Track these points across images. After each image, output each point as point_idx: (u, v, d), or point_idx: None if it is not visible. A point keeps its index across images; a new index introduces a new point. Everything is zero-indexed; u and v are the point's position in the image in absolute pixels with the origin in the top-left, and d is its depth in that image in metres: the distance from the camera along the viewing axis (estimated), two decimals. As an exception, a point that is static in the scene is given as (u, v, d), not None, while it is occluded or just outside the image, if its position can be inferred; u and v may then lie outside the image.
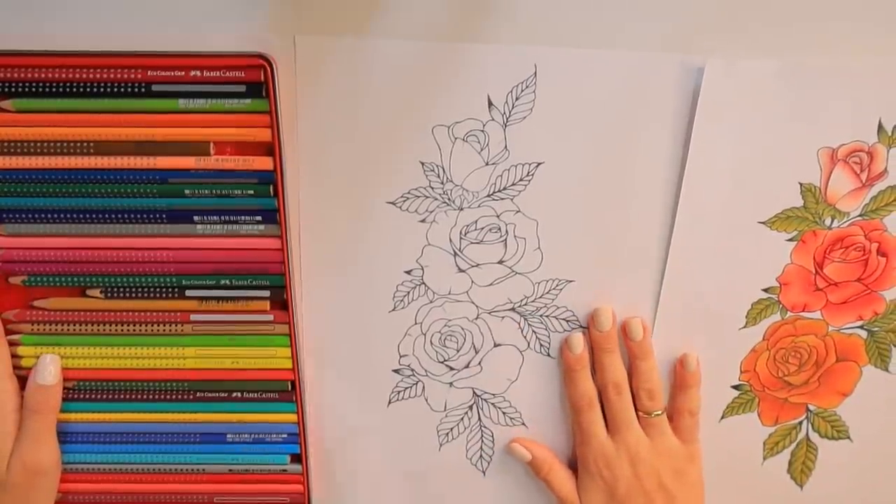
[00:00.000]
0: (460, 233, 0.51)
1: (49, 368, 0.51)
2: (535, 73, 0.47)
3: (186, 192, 0.48)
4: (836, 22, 0.46)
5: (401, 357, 0.55)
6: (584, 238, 0.51)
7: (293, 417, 0.54)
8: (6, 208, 0.48)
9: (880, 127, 0.48)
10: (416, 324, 0.54)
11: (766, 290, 0.53)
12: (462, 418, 0.56)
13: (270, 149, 0.47)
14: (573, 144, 0.49)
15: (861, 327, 0.54)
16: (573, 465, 0.57)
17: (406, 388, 0.55)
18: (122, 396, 0.53)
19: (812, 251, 0.52)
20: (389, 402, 0.56)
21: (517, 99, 0.48)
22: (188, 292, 0.50)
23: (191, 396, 0.53)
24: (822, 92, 0.48)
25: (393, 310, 0.53)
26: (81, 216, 0.48)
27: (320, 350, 0.54)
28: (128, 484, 0.55)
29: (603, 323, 0.53)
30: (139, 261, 0.49)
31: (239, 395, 0.53)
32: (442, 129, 0.48)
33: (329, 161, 0.49)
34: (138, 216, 0.48)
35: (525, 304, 0.53)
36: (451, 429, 0.57)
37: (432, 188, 0.50)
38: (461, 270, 0.52)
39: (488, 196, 0.50)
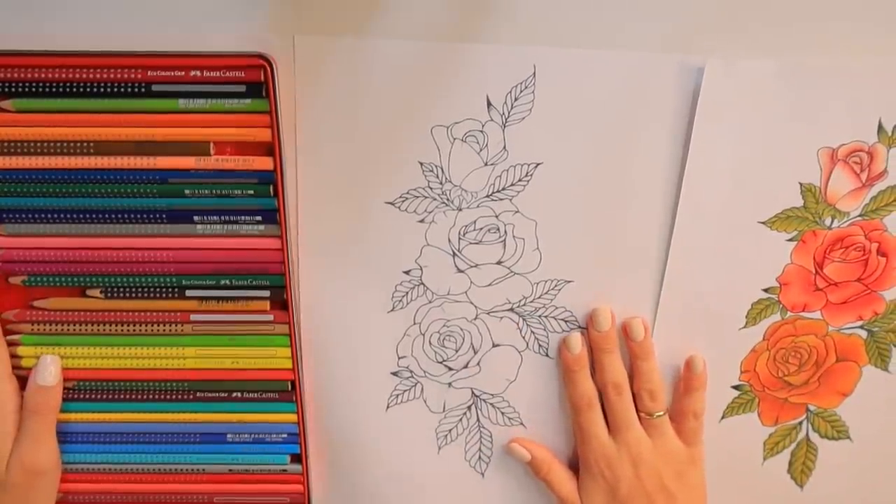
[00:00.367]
0: (459, 233, 0.51)
1: (49, 369, 0.50)
2: (534, 73, 0.47)
3: (186, 192, 0.47)
4: (835, 22, 0.45)
5: (399, 358, 0.54)
6: (583, 238, 0.51)
7: (293, 417, 0.53)
8: (6, 208, 0.48)
9: (880, 127, 0.48)
10: (414, 324, 0.53)
11: (766, 290, 0.53)
12: (461, 419, 0.56)
13: (270, 149, 0.47)
14: (572, 145, 0.49)
15: (861, 327, 0.54)
16: (573, 466, 0.56)
17: (405, 389, 0.55)
18: (122, 396, 0.53)
19: (812, 251, 0.51)
20: (388, 403, 0.55)
21: (516, 99, 0.47)
22: (188, 292, 0.50)
23: (191, 396, 0.53)
24: (821, 92, 0.47)
25: (392, 310, 0.53)
26: (81, 216, 0.48)
27: (319, 350, 0.53)
28: (128, 484, 0.55)
29: (601, 323, 0.52)
30: (139, 261, 0.49)
31: (239, 395, 0.53)
32: (441, 129, 0.48)
33: (328, 161, 0.48)
34: (138, 216, 0.48)
35: (524, 305, 0.53)
36: (450, 430, 0.56)
37: (431, 188, 0.50)
38: (460, 271, 0.52)
39: (487, 196, 0.50)
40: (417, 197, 0.50)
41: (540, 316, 0.53)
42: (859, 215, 0.50)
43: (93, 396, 0.52)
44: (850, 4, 0.45)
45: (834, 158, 0.49)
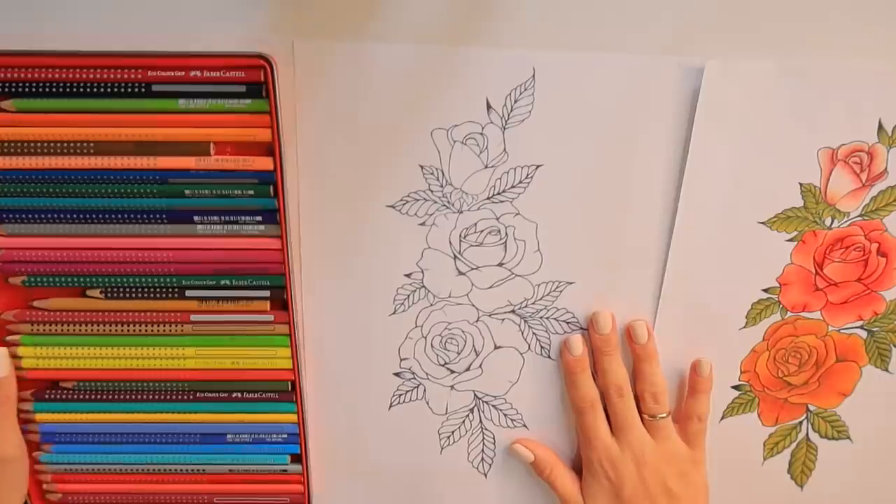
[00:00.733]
0: (460, 235, 0.50)
1: None
2: (534, 75, 0.46)
3: (186, 192, 0.47)
4: (834, 22, 0.45)
5: (401, 360, 0.54)
6: (583, 240, 0.50)
7: (293, 418, 0.53)
8: (6, 208, 0.47)
9: (880, 127, 0.47)
10: (416, 327, 0.53)
11: (766, 291, 0.52)
12: (463, 421, 0.55)
13: (270, 149, 0.46)
14: (572, 147, 0.48)
15: (861, 327, 0.53)
16: (576, 467, 0.56)
17: (407, 391, 0.54)
18: (122, 397, 0.52)
19: (812, 251, 0.51)
20: (391, 406, 0.55)
21: (516, 102, 0.47)
22: (188, 292, 0.49)
23: (191, 397, 0.52)
24: (821, 92, 0.46)
25: (393, 313, 0.52)
26: (81, 216, 0.47)
27: (321, 353, 0.53)
28: (129, 484, 0.54)
29: (602, 326, 0.52)
30: (139, 261, 0.48)
31: (239, 395, 0.52)
32: (441, 132, 0.47)
33: (329, 165, 0.48)
34: (138, 216, 0.47)
35: (525, 307, 0.52)
36: (453, 431, 0.55)
37: (432, 191, 0.49)
38: (461, 273, 0.51)
39: (488, 199, 0.49)
40: (418, 200, 0.49)
41: (542, 318, 0.53)
42: (859, 215, 0.50)
43: (93, 397, 0.52)
44: (848, 5, 0.45)
45: (834, 159, 0.48)
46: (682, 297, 0.52)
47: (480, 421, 0.55)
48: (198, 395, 0.52)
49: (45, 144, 0.46)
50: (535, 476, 0.56)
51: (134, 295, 0.49)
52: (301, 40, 0.45)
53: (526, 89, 0.46)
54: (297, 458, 0.54)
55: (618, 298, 0.52)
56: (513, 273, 0.51)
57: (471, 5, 0.44)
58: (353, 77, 0.46)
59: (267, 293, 0.50)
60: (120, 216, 0.47)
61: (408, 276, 0.51)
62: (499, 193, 0.49)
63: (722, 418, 0.55)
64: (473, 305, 0.52)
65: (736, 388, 0.55)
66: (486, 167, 0.48)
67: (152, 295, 0.49)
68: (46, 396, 0.51)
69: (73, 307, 0.49)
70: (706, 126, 0.47)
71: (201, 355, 0.51)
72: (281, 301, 0.50)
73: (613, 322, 0.52)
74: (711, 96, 0.46)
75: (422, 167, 0.48)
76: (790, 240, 0.50)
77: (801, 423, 0.56)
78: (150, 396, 0.52)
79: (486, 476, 0.57)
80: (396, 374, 0.54)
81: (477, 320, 0.53)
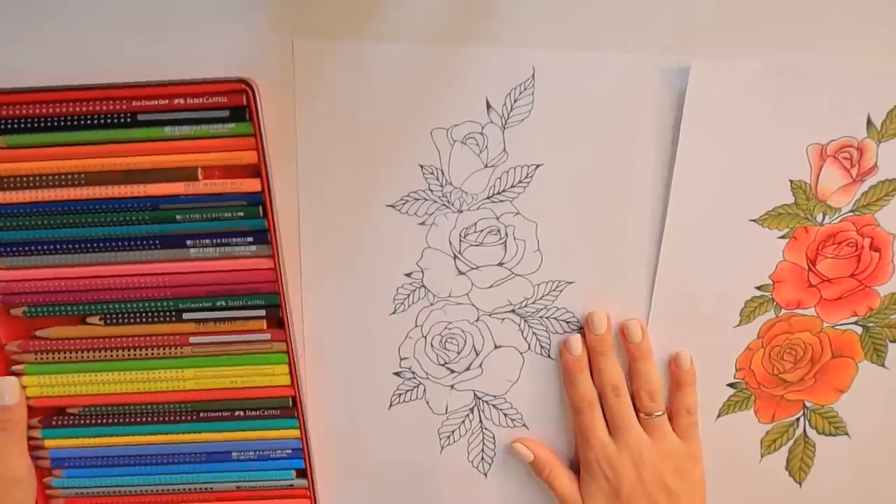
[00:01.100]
0: (460, 235, 0.49)
1: (3, 391, 0.49)
2: (534, 75, 0.45)
3: (178, 217, 0.46)
4: (822, 19, 0.44)
5: (402, 360, 0.53)
6: (583, 239, 0.49)
7: (296, 433, 0.52)
8: (3, 242, 0.47)
9: (869, 122, 0.46)
10: (416, 326, 0.52)
11: (759, 288, 0.51)
12: (463, 420, 0.54)
13: (257, 170, 0.45)
14: (572, 146, 0.47)
15: (856, 323, 0.52)
16: (574, 467, 0.55)
17: (407, 390, 0.53)
18: (127, 420, 0.51)
19: (804, 248, 0.49)
20: (391, 405, 0.54)
21: (515, 101, 0.46)
22: (185, 315, 0.49)
23: (194, 417, 0.51)
24: (808, 89, 0.45)
25: (393, 312, 0.51)
26: (77, 246, 0.47)
27: (321, 353, 0.52)
28: (138, 505, 0.54)
29: (597, 326, 0.51)
30: (136, 287, 0.48)
31: (241, 413, 0.51)
32: (441, 131, 0.47)
33: (328, 164, 0.47)
34: (132, 243, 0.47)
35: (525, 306, 0.51)
36: (453, 431, 0.54)
37: (431, 191, 0.48)
38: (461, 273, 0.50)
39: (488, 198, 0.48)
40: (418, 199, 0.48)
41: (541, 317, 0.51)
42: (851, 211, 0.48)
43: (99, 421, 0.51)
44: (835, 2, 0.44)
45: (823, 155, 0.47)
46: (674, 297, 0.50)
47: (480, 420, 0.54)
48: (201, 415, 0.51)
49: (38, 178, 0.45)
50: (534, 476, 0.55)
51: (132, 320, 0.49)
52: (301, 40, 0.44)
53: (526, 89, 0.46)
54: (303, 473, 0.53)
55: (617, 298, 0.51)
56: (513, 273, 0.50)
57: (471, 5, 0.43)
58: (352, 77, 0.45)
59: (262, 312, 0.49)
60: (114, 244, 0.47)
61: (408, 275, 0.50)
62: (499, 193, 0.48)
63: (718, 416, 0.54)
64: (473, 305, 0.51)
65: (731, 385, 0.54)
66: (486, 167, 0.48)
67: (150, 319, 0.49)
68: (54, 423, 0.51)
69: (74, 335, 0.49)
70: (693, 126, 0.46)
71: (201, 376, 0.50)
72: (277, 319, 0.49)
73: (608, 322, 0.51)
74: (697, 96, 0.45)
75: (422, 167, 0.47)
76: (782, 237, 0.49)
77: (797, 419, 0.55)
78: (155, 418, 0.51)
79: (485, 476, 0.56)
80: (396, 374, 0.53)
81: (477, 320, 0.52)
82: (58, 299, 0.48)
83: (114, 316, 0.49)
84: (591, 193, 0.48)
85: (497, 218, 0.49)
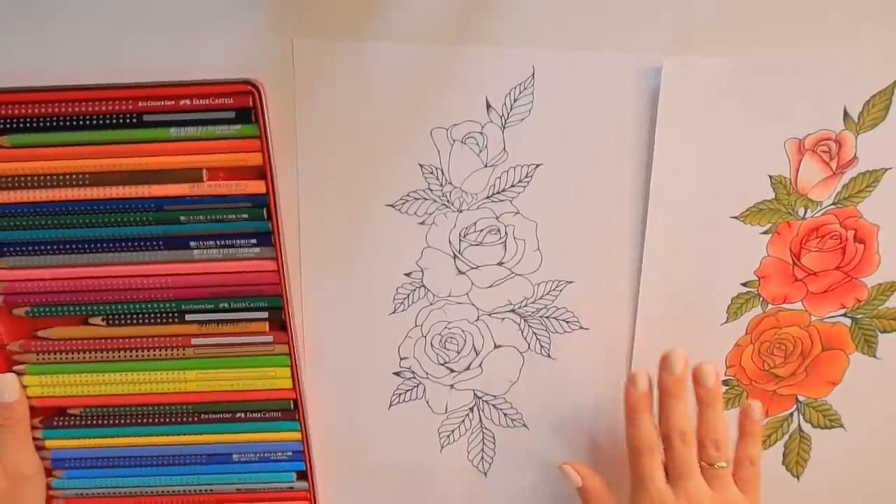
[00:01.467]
0: (460, 235, 0.49)
1: (2, 388, 0.48)
2: (533, 74, 0.45)
3: (182, 218, 0.46)
4: (796, 11, 0.44)
5: (401, 359, 0.52)
6: (583, 239, 0.49)
7: (297, 435, 0.51)
8: (7, 242, 0.47)
9: (846, 114, 0.47)
10: (416, 326, 0.51)
11: (744, 285, 0.51)
12: (463, 420, 0.54)
13: (262, 172, 0.45)
14: (572, 146, 0.47)
15: (845, 315, 0.52)
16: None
17: (407, 390, 0.53)
18: (128, 421, 0.51)
19: (788, 242, 0.50)
20: (391, 405, 0.53)
21: (515, 101, 0.46)
22: (188, 317, 0.48)
23: (195, 419, 0.51)
24: (782, 84, 0.46)
25: (393, 312, 0.51)
26: (80, 246, 0.47)
27: (321, 353, 0.51)
28: (138, 508, 0.53)
29: (676, 366, 0.48)
30: (139, 287, 0.47)
31: (242, 415, 0.51)
32: (440, 131, 0.47)
33: (328, 164, 0.47)
34: (136, 244, 0.47)
35: (525, 306, 0.51)
36: (453, 430, 0.54)
37: (431, 190, 0.48)
38: (461, 272, 0.50)
39: (487, 198, 0.48)
40: (418, 199, 0.48)
41: (541, 317, 0.51)
42: (832, 203, 0.49)
43: (100, 422, 0.51)
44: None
45: (801, 149, 0.47)
46: (660, 297, 0.50)
47: (480, 420, 0.53)
48: (202, 416, 0.51)
49: (42, 178, 0.45)
50: (534, 475, 0.54)
51: (135, 321, 0.48)
52: (301, 40, 0.44)
53: (525, 88, 0.46)
54: (303, 475, 0.53)
55: (618, 298, 0.50)
56: (512, 272, 0.50)
57: (470, 5, 0.44)
58: (352, 76, 0.45)
59: (265, 314, 0.49)
60: (118, 244, 0.47)
61: (407, 275, 0.50)
62: (498, 192, 0.48)
63: (712, 413, 0.54)
64: (473, 304, 0.51)
65: (723, 383, 0.53)
66: (486, 166, 0.48)
67: (153, 320, 0.48)
68: (55, 423, 0.50)
69: (77, 335, 0.49)
70: (667, 125, 0.46)
71: (203, 378, 0.49)
72: (279, 321, 0.49)
73: (686, 363, 0.48)
74: (671, 95, 0.45)
75: (421, 166, 0.47)
76: (764, 232, 0.49)
77: (791, 413, 0.55)
78: (156, 420, 0.51)
79: (485, 475, 0.55)
80: (396, 374, 0.52)
81: (477, 319, 0.51)
82: (60, 299, 0.47)
83: (116, 317, 0.48)
84: (590, 193, 0.48)
85: (497, 217, 0.49)
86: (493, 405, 0.53)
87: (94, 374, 0.49)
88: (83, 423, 0.50)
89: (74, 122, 0.44)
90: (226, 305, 0.48)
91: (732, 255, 0.50)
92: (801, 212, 0.49)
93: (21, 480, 0.49)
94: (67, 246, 0.47)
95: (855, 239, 0.50)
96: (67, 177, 0.45)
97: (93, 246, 0.47)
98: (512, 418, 0.54)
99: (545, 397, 0.53)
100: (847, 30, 0.45)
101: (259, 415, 0.51)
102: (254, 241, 0.47)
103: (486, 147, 0.47)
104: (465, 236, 0.49)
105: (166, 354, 0.49)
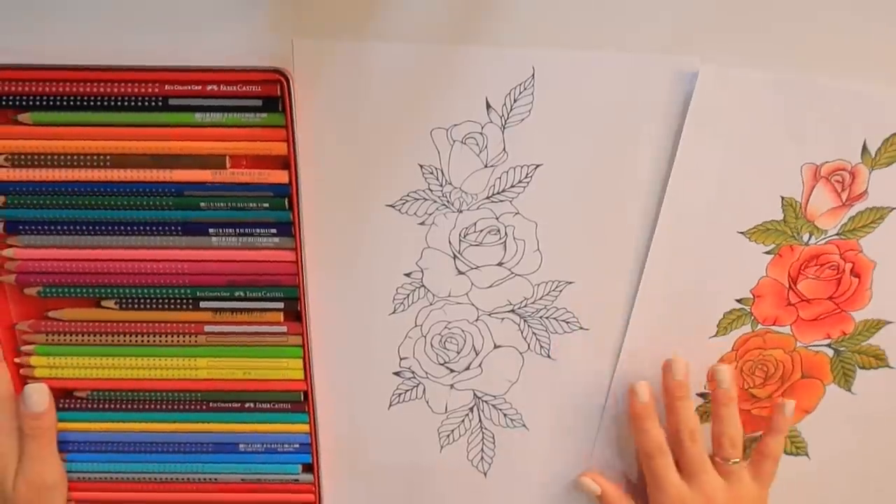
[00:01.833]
0: (460, 235, 0.36)
1: (33, 398, 0.35)
2: (533, 74, 0.33)
3: (202, 204, 0.33)
4: (833, 39, 0.33)
5: (401, 359, 0.39)
6: (583, 239, 0.37)
7: (305, 428, 0.38)
8: (23, 220, 0.34)
9: (864, 148, 0.35)
10: (416, 326, 0.38)
11: (739, 301, 0.38)
12: (463, 420, 0.40)
13: (286, 162, 0.33)
14: (572, 146, 0.35)
15: (828, 346, 0.39)
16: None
17: (407, 390, 0.39)
18: (135, 406, 0.37)
19: (787, 266, 0.37)
20: (390, 405, 0.40)
21: (515, 101, 0.34)
22: (202, 304, 0.35)
23: (204, 406, 0.37)
24: (812, 108, 0.34)
25: (393, 312, 0.38)
26: (97, 228, 0.34)
27: (321, 352, 0.38)
28: (141, 493, 0.38)
29: (678, 371, 0.38)
30: (154, 272, 0.34)
31: (251, 405, 0.37)
32: (440, 131, 0.34)
33: (328, 164, 0.34)
34: (154, 228, 0.34)
35: (525, 306, 0.38)
36: (453, 430, 0.40)
37: (431, 191, 0.35)
38: (461, 272, 0.37)
39: (487, 198, 0.36)
40: (418, 199, 0.36)
41: (541, 317, 0.38)
42: (836, 234, 0.37)
43: (107, 406, 0.37)
44: (847, 24, 0.33)
45: (817, 175, 0.35)
46: (657, 301, 0.38)
47: (480, 420, 0.40)
48: (210, 405, 0.37)
49: (62, 157, 0.32)
50: (534, 475, 0.41)
51: (148, 306, 0.35)
52: (301, 40, 0.32)
53: (525, 89, 0.34)
54: (309, 468, 0.39)
55: (618, 299, 0.38)
56: (512, 272, 0.37)
57: (470, 5, 0.32)
58: (352, 76, 0.33)
59: (280, 305, 0.36)
60: (135, 228, 0.34)
61: (407, 275, 0.37)
62: (498, 193, 0.36)
63: (684, 426, 0.41)
64: (473, 305, 0.38)
65: (701, 395, 0.40)
66: (486, 166, 0.35)
67: (167, 306, 0.35)
68: (61, 405, 0.36)
69: (88, 317, 0.35)
70: (696, 130, 0.34)
71: (214, 366, 0.36)
72: (294, 312, 0.36)
73: (687, 367, 0.39)
74: (703, 102, 0.33)
75: (421, 167, 0.35)
76: (767, 252, 0.37)
77: (761, 436, 0.41)
78: (164, 406, 0.37)
79: (485, 475, 0.41)
80: (396, 374, 0.39)
81: (476, 319, 0.38)
82: (74, 280, 0.34)
83: (130, 300, 0.35)
84: (590, 193, 0.36)
85: (497, 218, 0.36)
86: (492, 405, 0.40)
87: (103, 358, 0.36)
88: (90, 406, 0.37)
89: (98, 103, 0.32)
90: (241, 294, 0.35)
91: (733, 270, 0.37)
92: (805, 237, 0.37)
93: (44, 490, 0.36)
94: (84, 227, 0.34)
95: (851, 272, 0.37)
96: (88, 157, 0.33)
97: (110, 228, 0.34)
98: (512, 418, 0.40)
99: (545, 397, 0.40)
100: (883, 64, 0.33)
101: (268, 405, 0.38)
102: (273, 230, 0.34)
103: (486, 147, 0.35)
104: (464, 236, 0.36)
105: (178, 341, 0.36)
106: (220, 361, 0.36)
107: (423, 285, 0.37)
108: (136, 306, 0.35)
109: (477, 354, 0.39)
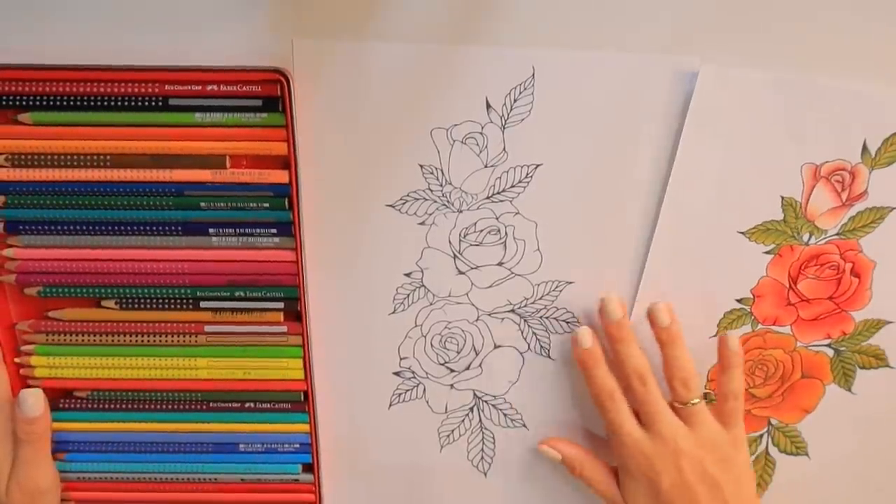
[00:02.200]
0: (460, 235, 0.35)
1: (28, 402, 0.34)
2: (533, 74, 0.32)
3: (202, 204, 0.33)
4: (833, 39, 0.32)
5: (401, 359, 0.38)
6: (583, 239, 0.35)
7: (305, 428, 0.37)
8: (23, 220, 0.33)
9: (864, 148, 0.34)
10: (416, 326, 0.37)
11: (739, 301, 0.37)
12: (463, 420, 0.39)
13: (286, 162, 0.32)
14: (572, 146, 0.34)
15: (828, 346, 0.38)
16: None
17: (407, 390, 0.38)
18: (135, 406, 0.36)
19: (787, 266, 0.36)
20: (390, 405, 0.39)
21: (515, 101, 0.33)
22: (203, 304, 0.34)
23: (204, 406, 0.36)
24: (812, 107, 0.33)
25: (393, 312, 0.37)
26: (97, 228, 0.33)
27: (320, 352, 0.37)
28: (141, 493, 0.37)
29: (612, 312, 0.35)
30: (154, 272, 0.33)
31: (252, 405, 0.36)
32: (440, 131, 0.33)
33: (327, 164, 0.34)
34: (154, 228, 0.33)
35: (525, 306, 0.37)
36: (453, 430, 0.39)
37: (431, 191, 0.34)
38: (461, 272, 0.36)
39: (487, 198, 0.35)
40: (418, 199, 0.35)
41: (541, 317, 0.37)
42: (836, 234, 0.36)
43: (107, 406, 0.36)
44: (848, 24, 0.31)
45: (817, 175, 0.34)
46: (657, 300, 0.36)
47: (480, 420, 0.39)
48: (210, 404, 0.36)
49: (62, 157, 0.32)
50: (534, 475, 0.40)
51: (149, 306, 0.34)
52: (301, 40, 0.31)
53: (525, 88, 0.33)
54: (309, 468, 0.38)
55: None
56: (512, 272, 0.36)
57: (470, 5, 0.31)
58: (352, 76, 0.32)
59: (281, 305, 0.35)
60: (136, 228, 0.33)
61: (407, 275, 0.36)
62: (498, 193, 0.35)
63: (685, 425, 0.40)
64: (473, 305, 0.37)
65: (704, 395, 0.38)
66: (486, 166, 0.34)
67: (167, 306, 0.34)
68: (60, 405, 0.36)
69: (88, 317, 0.34)
70: (696, 130, 0.33)
71: (214, 366, 0.35)
72: (294, 312, 0.35)
73: (624, 307, 0.35)
74: (703, 102, 0.32)
75: (421, 167, 0.34)
76: (767, 252, 0.36)
77: (762, 435, 0.40)
78: (164, 406, 0.36)
79: (485, 475, 0.40)
80: (396, 374, 0.38)
81: (476, 319, 0.37)
82: (74, 280, 0.33)
83: (130, 300, 0.34)
84: (590, 193, 0.35)
85: (497, 218, 0.35)
86: (492, 405, 0.39)
87: (103, 358, 0.35)
88: (89, 406, 0.36)
89: (98, 103, 0.31)
90: (241, 294, 0.34)
91: (733, 270, 0.36)
92: (805, 237, 0.36)
93: (37, 495, 0.35)
94: (84, 227, 0.33)
95: (851, 272, 0.36)
96: (88, 157, 0.32)
97: (110, 228, 0.33)
98: (512, 418, 0.39)
99: (545, 397, 0.39)
100: (884, 65, 0.32)
101: (268, 405, 0.37)
102: (273, 230, 0.33)
103: (486, 147, 0.34)
104: (465, 236, 0.35)
105: (178, 340, 0.35)
106: (220, 361, 0.35)
107: (423, 285, 0.36)
108: (136, 306, 0.34)
109: (477, 354, 0.38)
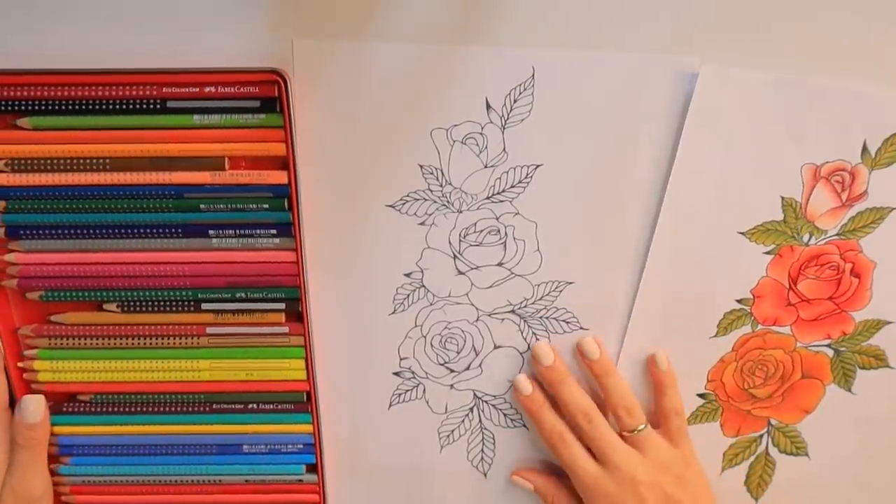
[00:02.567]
0: (460, 235, 0.35)
1: (30, 408, 0.33)
2: (533, 75, 0.31)
3: (202, 206, 0.32)
4: (833, 39, 0.31)
5: (401, 360, 0.37)
6: (583, 239, 0.35)
7: (308, 428, 0.36)
8: (24, 225, 0.32)
9: (864, 149, 0.33)
10: (416, 326, 0.36)
11: (739, 301, 0.36)
12: (463, 420, 0.38)
13: (285, 163, 0.31)
14: (572, 146, 0.33)
15: (828, 346, 0.37)
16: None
17: (407, 390, 0.37)
18: (138, 409, 0.35)
19: (787, 266, 0.35)
20: (390, 405, 0.38)
21: (515, 101, 0.32)
22: (204, 305, 0.33)
23: (207, 408, 0.35)
24: (811, 108, 0.32)
25: (393, 312, 0.36)
26: (98, 231, 0.32)
27: (320, 352, 0.36)
28: (145, 496, 0.36)
29: (544, 357, 0.35)
30: (155, 275, 0.33)
31: (255, 406, 0.36)
32: (440, 132, 0.32)
33: (327, 164, 0.33)
34: (154, 231, 0.32)
35: (525, 306, 0.36)
36: (453, 430, 0.38)
37: (431, 191, 0.34)
38: (461, 273, 0.35)
39: (487, 198, 0.34)
40: (418, 199, 0.34)
41: (541, 317, 0.36)
42: (836, 234, 0.35)
43: (110, 409, 0.35)
44: (849, 24, 0.31)
45: (817, 175, 0.33)
46: (657, 301, 0.35)
47: (480, 420, 0.38)
48: (213, 406, 0.35)
49: (62, 161, 0.31)
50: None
51: (150, 308, 0.33)
52: (301, 40, 0.30)
53: (525, 89, 0.32)
54: (313, 468, 0.37)
55: (618, 299, 0.36)
56: (512, 273, 0.35)
57: (470, 5, 0.30)
58: (352, 76, 0.31)
59: (282, 305, 0.34)
60: (136, 231, 0.32)
61: (407, 275, 0.35)
62: (498, 193, 0.34)
63: (684, 425, 0.38)
64: (473, 305, 0.36)
65: (701, 396, 0.38)
66: (486, 167, 0.33)
67: (168, 308, 0.33)
68: (64, 409, 0.35)
69: (90, 321, 0.34)
70: (696, 130, 0.32)
71: (216, 367, 0.34)
72: (296, 313, 0.34)
73: (554, 350, 0.36)
74: (703, 102, 0.31)
75: (421, 167, 0.33)
76: (767, 252, 0.35)
77: (761, 436, 0.39)
78: (167, 408, 0.35)
79: (485, 475, 0.39)
80: (396, 374, 0.37)
81: (476, 320, 0.36)
82: (75, 284, 0.33)
83: (131, 303, 0.33)
84: (590, 193, 0.34)
85: (497, 218, 0.34)
86: (492, 405, 0.38)
87: (106, 361, 0.34)
88: (93, 409, 0.35)
89: (97, 106, 0.30)
90: (242, 295, 0.33)
91: (733, 270, 0.35)
92: (805, 238, 0.35)
93: (30, 501, 0.34)
94: (85, 231, 0.32)
95: (851, 272, 0.35)
96: (88, 161, 0.31)
97: (110, 232, 0.32)
98: (512, 418, 0.38)
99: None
100: (883, 65, 0.31)
101: (271, 406, 0.36)
102: (273, 231, 0.32)
103: (485, 147, 0.33)
104: (464, 237, 0.34)
105: (180, 343, 0.34)
106: (222, 363, 0.34)
107: (423, 285, 0.35)
108: (137, 309, 0.33)
109: (477, 355, 0.37)
